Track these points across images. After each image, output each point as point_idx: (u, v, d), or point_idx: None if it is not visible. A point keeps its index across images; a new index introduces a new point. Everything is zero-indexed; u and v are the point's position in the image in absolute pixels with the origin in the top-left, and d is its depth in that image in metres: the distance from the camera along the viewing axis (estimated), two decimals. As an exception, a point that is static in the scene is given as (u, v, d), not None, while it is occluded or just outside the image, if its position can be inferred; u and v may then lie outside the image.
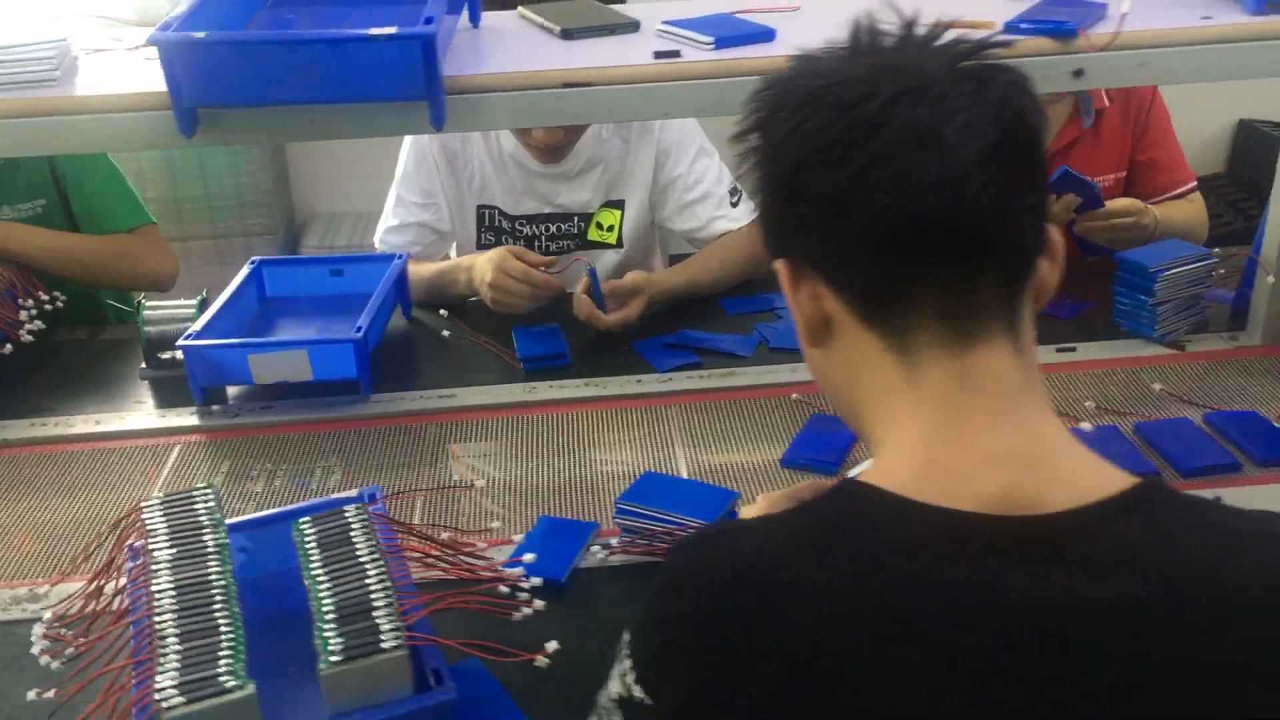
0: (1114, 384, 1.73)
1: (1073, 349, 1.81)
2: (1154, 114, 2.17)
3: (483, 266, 1.94)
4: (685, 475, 1.53)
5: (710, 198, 2.13)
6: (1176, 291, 1.79)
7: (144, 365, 1.82)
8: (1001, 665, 0.74)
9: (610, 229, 2.18)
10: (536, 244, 2.17)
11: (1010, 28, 1.23)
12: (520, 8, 1.41)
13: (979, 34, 0.88)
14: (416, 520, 1.45)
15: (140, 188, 3.49)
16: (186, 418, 1.72)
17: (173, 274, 2.16)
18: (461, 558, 1.19)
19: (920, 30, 0.86)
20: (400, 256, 1.99)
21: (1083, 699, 0.74)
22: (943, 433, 0.81)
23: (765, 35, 1.26)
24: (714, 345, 1.87)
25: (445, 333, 1.94)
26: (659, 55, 1.22)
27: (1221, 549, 0.77)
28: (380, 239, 2.17)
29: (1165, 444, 1.57)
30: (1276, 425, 1.60)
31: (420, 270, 2.07)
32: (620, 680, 0.83)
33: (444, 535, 1.34)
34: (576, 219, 2.17)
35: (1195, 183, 2.21)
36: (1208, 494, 1.42)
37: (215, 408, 1.73)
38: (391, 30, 1.08)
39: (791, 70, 0.86)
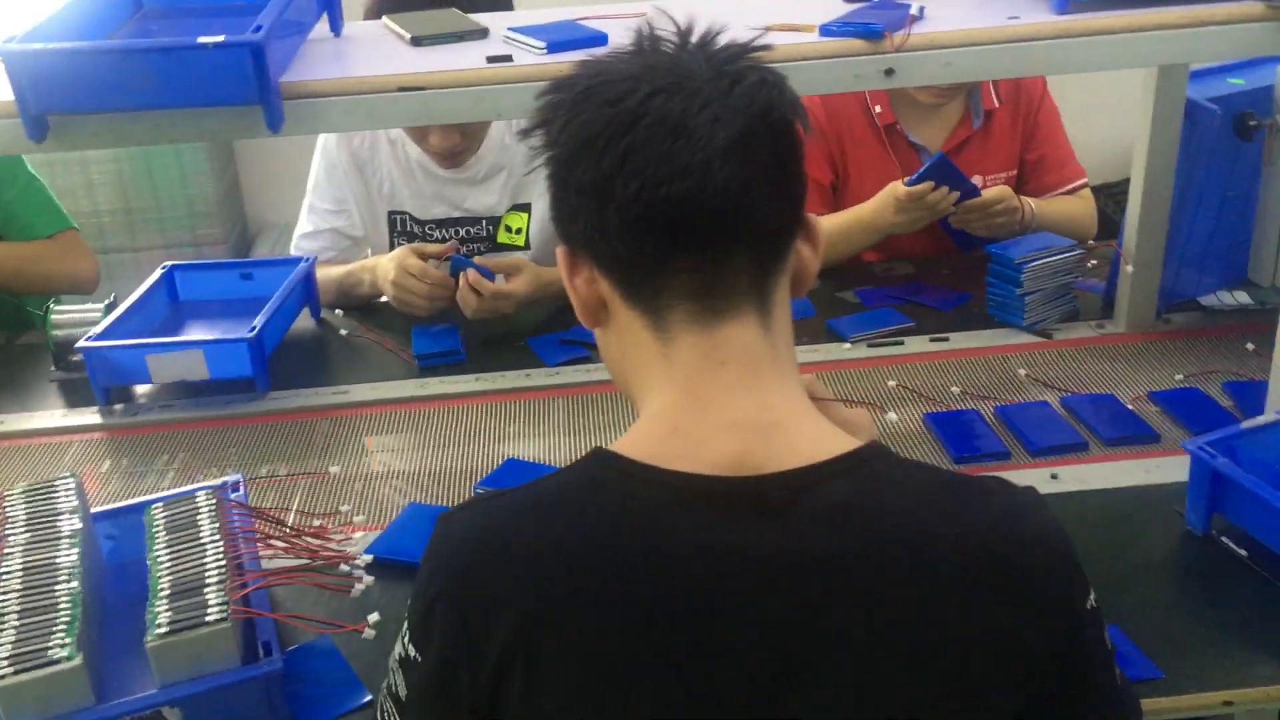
0: (983, 371, 1.80)
1: (945, 338, 1.88)
2: (1043, 113, 2.24)
3: (385, 266, 2.01)
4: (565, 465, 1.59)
5: None
6: (1044, 282, 1.86)
7: (53, 367, 1.89)
8: (721, 611, 0.81)
9: (519, 231, 2.24)
10: (447, 246, 2.23)
11: (825, 30, 1.30)
12: (384, 16, 1.48)
13: (751, 38, 0.94)
14: (296, 507, 1.52)
15: (91, 199, 3.57)
16: (89, 416, 1.79)
17: (92, 278, 2.22)
18: (307, 539, 1.25)
19: (696, 36, 0.93)
20: (307, 259, 2.06)
21: (798, 643, 0.81)
22: (687, 401, 0.88)
23: (598, 40, 1.33)
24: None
25: (343, 331, 2.00)
26: (491, 60, 1.29)
27: (921, 508, 0.85)
28: (295, 245, 2.24)
29: (1020, 425, 1.63)
30: (1128, 406, 1.66)
31: (329, 273, 2.13)
32: (400, 641, 0.90)
33: (316, 522, 1.41)
34: (485, 222, 2.23)
35: (1085, 180, 2.27)
36: (1056, 471, 1.52)
37: (118, 407, 1.80)
38: (220, 39, 1.15)
39: (573, 72, 0.93)
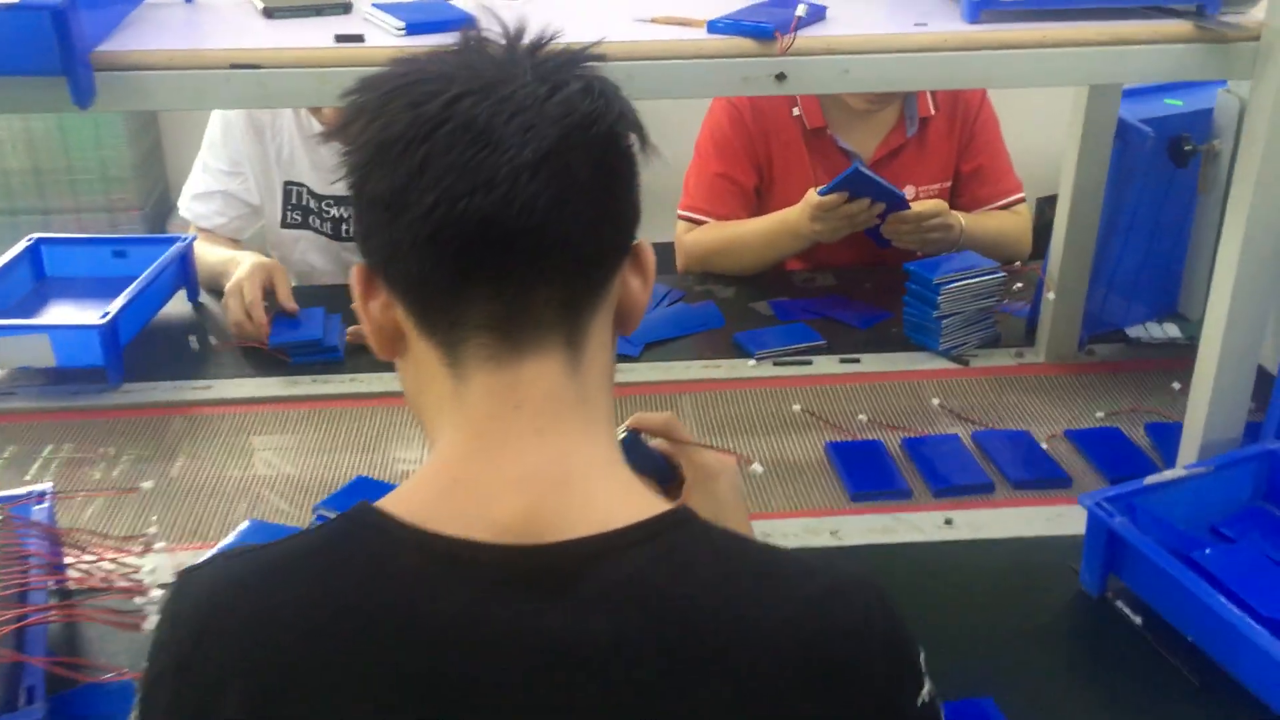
0: (894, 397, 1.69)
1: (856, 360, 1.77)
2: (980, 123, 2.13)
3: (238, 275, 1.84)
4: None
5: None
6: (963, 305, 1.75)
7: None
8: (483, 698, 0.70)
9: (422, 218, 2.11)
10: (344, 226, 2.10)
11: (713, 27, 1.18)
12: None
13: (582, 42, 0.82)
14: (126, 517, 1.39)
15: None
16: (-74, 401, 1.65)
17: None
18: (102, 564, 1.12)
19: (529, 37, 0.81)
20: (185, 238, 1.92)
21: None
22: (474, 449, 0.77)
23: (463, 22, 1.20)
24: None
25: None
26: (340, 38, 1.16)
27: (725, 588, 0.73)
28: (185, 207, 2.08)
29: (925, 461, 1.52)
30: (1042, 446, 1.56)
31: (205, 256, 1.99)
32: (135, 707, 0.78)
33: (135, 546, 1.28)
34: (386, 206, 2.10)
35: (1021, 194, 2.16)
36: (952, 515, 1.42)
37: (-41, 391, 1.66)
38: (15, 0, 1.01)
39: (384, 70, 0.81)
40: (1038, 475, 1.49)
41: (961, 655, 1.17)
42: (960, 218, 2.01)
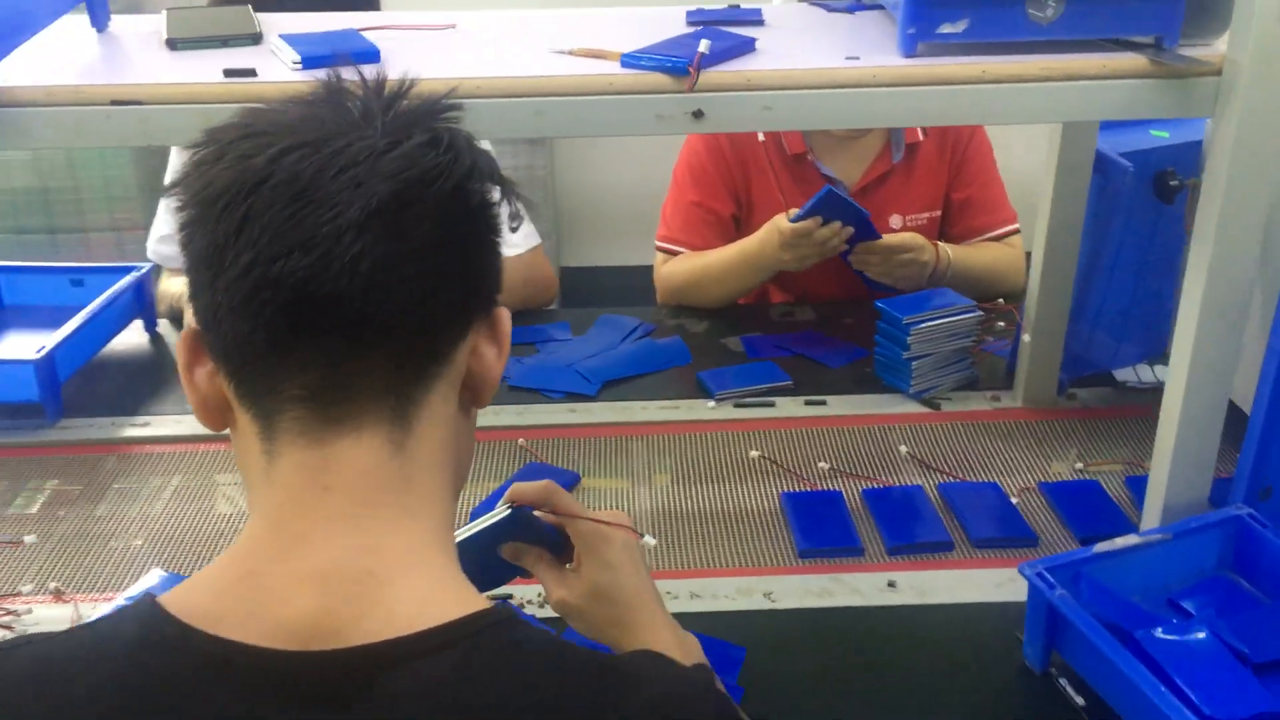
0: (860, 442, 1.60)
1: (823, 402, 1.68)
2: (972, 150, 2.04)
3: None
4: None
5: None
6: (935, 345, 1.66)
7: None
8: None
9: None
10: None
11: (626, 61, 1.11)
12: (165, 10, 1.29)
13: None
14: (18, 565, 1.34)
15: (7, 178, 3.42)
16: None
17: None
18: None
19: (389, 87, 0.75)
20: (139, 268, 1.88)
21: None
22: (271, 538, 0.70)
23: (366, 56, 1.14)
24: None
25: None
26: (229, 74, 1.10)
27: (536, 702, 0.65)
28: (152, 250, 2.05)
29: (883, 515, 1.44)
30: (1012, 500, 1.46)
31: (171, 287, 1.95)
32: None
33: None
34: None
35: (1015, 225, 2.07)
36: (897, 577, 1.32)
37: (-102, 425, 1.62)
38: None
39: (231, 120, 0.75)
40: (1003, 534, 1.40)
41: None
42: (949, 250, 1.92)
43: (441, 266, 0.71)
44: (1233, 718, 0.98)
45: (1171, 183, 1.50)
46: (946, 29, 1.11)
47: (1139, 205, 1.56)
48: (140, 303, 1.88)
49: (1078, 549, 1.17)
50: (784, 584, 1.30)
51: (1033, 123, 1.37)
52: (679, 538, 1.40)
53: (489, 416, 1.66)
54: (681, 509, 1.46)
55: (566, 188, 3.58)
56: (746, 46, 1.15)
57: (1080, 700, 1.10)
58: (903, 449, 1.58)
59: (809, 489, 1.50)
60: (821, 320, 1.94)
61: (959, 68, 1.09)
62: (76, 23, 1.26)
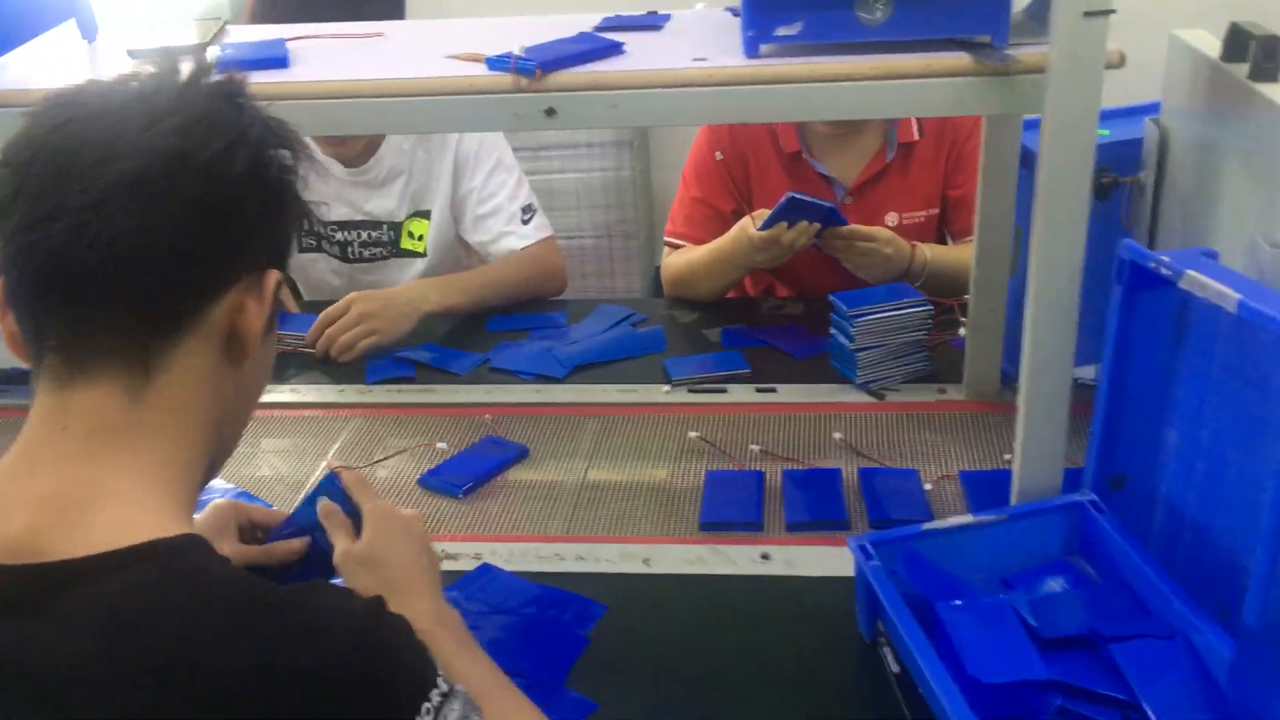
0: (799, 429, 1.66)
1: (773, 390, 1.75)
2: (970, 149, 2.06)
3: None
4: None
5: (501, 213, 2.15)
6: (883, 337, 1.71)
7: None
8: None
9: (421, 238, 2.22)
10: (350, 249, 2.23)
11: (491, 63, 1.22)
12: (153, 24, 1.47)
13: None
14: None
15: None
16: None
17: None
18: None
19: (203, 68, 0.88)
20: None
21: None
22: (14, 468, 0.81)
23: (273, 62, 1.28)
24: (439, 362, 1.89)
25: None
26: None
27: (201, 621, 0.74)
28: None
29: (792, 494, 1.50)
30: (925, 486, 1.51)
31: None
32: None
33: None
34: (386, 227, 2.22)
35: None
36: (772, 550, 1.38)
37: None
38: None
39: (52, 95, 0.85)
40: (901, 516, 1.44)
41: (720, 694, 1.18)
42: (926, 250, 1.95)
43: (192, 236, 0.81)
44: (995, 680, 1.02)
45: (1103, 179, 1.52)
46: (783, 31, 1.18)
47: (1080, 202, 1.58)
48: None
49: (908, 527, 1.22)
50: (664, 551, 1.39)
51: (860, 117, 1.42)
52: (595, 506, 1.50)
53: (460, 394, 1.80)
54: (608, 481, 1.56)
55: (663, 190, 3.68)
56: (613, 50, 1.25)
57: (895, 668, 1.16)
58: (837, 435, 1.63)
59: (736, 469, 1.58)
60: (811, 315, 2.00)
61: (789, 68, 1.17)
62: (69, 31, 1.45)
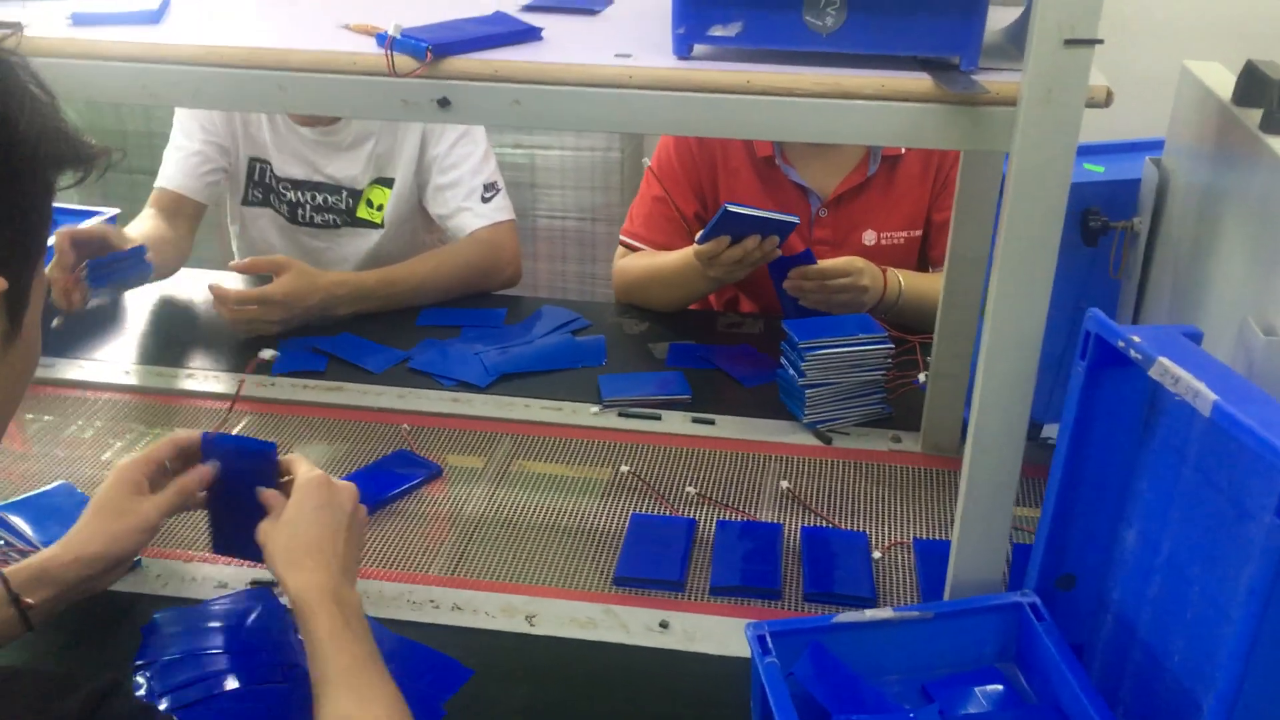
0: (738, 470, 1.50)
1: (711, 422, 1.58)
2: (957, 169, 1.88)
3: None
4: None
5: (461, 185, 2.00)
6: (837, 375, 1.54)
7: None
8: None
9: (380, 208, 2.07)
10: (300, 211, 2.08)
11: (380, 40, 1.05)
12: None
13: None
14: None
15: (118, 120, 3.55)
16: None
17: None
18: None
19: None
20: (101, 213, 1.92)
21: None
22: None
23: (146, 16, 1.12)
24: (354, 356, 1.73)
25: (55, 322, 1.68)
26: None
27: None
28: (163, 177, 2.08)
29: (723, 552, 1.34)
30: (874, 555, 1.34)
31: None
32: None
33: None
34: (345, 193, 2.07)
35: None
36: (671, 617, 1.21)
37: None
38: None
39: None
40: (841, 590, 1.28)
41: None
42: (900, 277, 1.78)
43: None
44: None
45: (1091, 223, 1.35)
46: (719, 31, 1.01)
47: (1066, 246, 1.41)
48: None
49: (820, 617, 1.06)
50: (551, 608, 1.23)
51: (799, 139, 1.25)
52: (489, 544, 1.34)
53: (370, 396, 1.64)
54: (512, 516, 1.40)
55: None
56: (528, 36, 1.08)
57: (786, 778, 1.00)
58: (784, 484, 1.46)
59: (666, 513, 1.41)
60: (769, 335, 1.83)
61: (722, 75, 1.00)
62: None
